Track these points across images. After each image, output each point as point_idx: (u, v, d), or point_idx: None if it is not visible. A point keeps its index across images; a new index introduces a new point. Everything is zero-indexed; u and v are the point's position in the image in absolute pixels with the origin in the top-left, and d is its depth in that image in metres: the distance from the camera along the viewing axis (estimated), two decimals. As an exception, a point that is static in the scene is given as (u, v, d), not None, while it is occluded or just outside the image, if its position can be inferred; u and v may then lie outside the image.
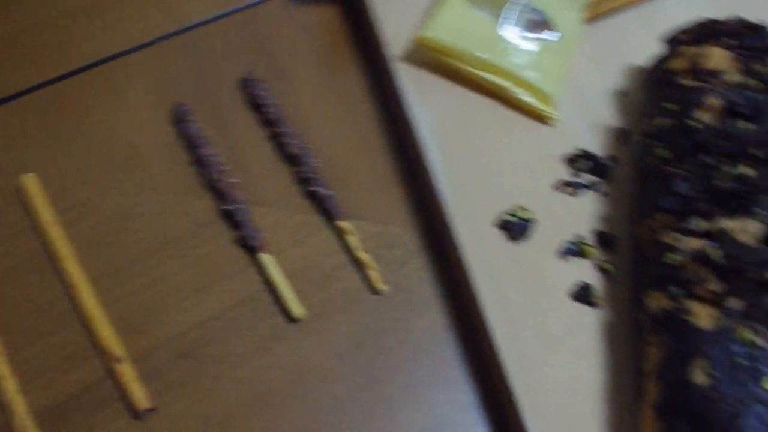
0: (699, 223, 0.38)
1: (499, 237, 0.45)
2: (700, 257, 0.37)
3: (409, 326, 0.46)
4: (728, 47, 0.43)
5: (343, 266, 0.47)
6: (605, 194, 0.47)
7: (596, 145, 0.48)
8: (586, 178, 0.47)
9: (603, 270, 0.44)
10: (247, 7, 0.58)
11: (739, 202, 0.37)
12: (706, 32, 0.44)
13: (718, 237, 0.37)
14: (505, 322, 0.42)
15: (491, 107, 0.50)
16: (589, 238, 0.45)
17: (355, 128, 0.52)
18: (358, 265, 0.47)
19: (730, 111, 0.40)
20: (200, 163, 0.50)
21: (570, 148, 0.48)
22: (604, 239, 0.45)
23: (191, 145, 0.51)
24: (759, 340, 0.35)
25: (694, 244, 0.38)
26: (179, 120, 0.51)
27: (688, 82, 0.43)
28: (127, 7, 0.57)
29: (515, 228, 0.45)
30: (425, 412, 0.43)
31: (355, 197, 0.50)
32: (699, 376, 0.35)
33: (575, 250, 0.45)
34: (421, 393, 0.44)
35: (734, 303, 0.36)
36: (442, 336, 0.45)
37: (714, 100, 0.41)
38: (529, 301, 0.43)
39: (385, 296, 0.46)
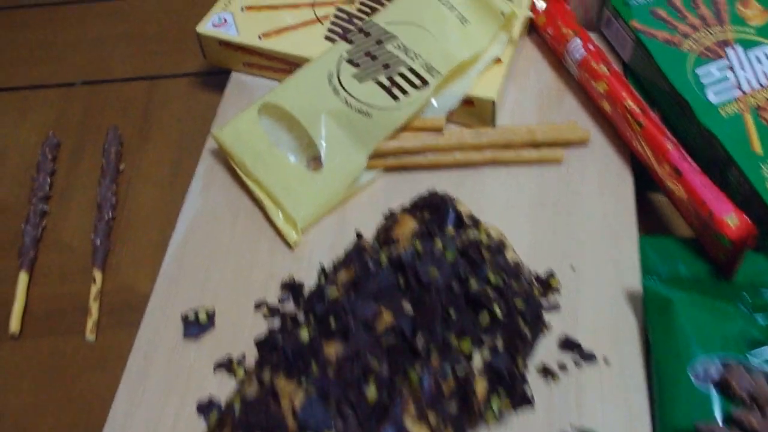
0: (265, 375, 0.39)
1: (177, 326, 0.48)
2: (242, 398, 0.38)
3: (91, 375, 0.50)
4: (420, 220, 0.43)
5: (78, 307, 0.53)
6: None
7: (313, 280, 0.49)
8: (288, 306, 0.48)
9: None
10: (155, 77, 0.67)
11: (295, 367, 0.38)
12: (420, 203, 0.45)
13: (268, 393, 0.38)
14: (133, 389, 0.45)
15: (251, 213, 0.53)
16: (250, 360, 0.46)
17: (166, 199, 0.58)
18: (86, 311, 0.53)
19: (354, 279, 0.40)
20: (33, 183, 0.59)
21: (295, 274, 0.50)
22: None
23: (38, 168, 0.60)
24: None
25: (252, 388, 0.39)
26: (44, 145, 0.61)
27: (366, 244, 0.43)
28: (69, 50, 0.69)
29: (190, 326, 0.47)
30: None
31: (126, 256, 0.55)
32: None
33: (227, 365, 0.46)
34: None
35: None
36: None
37: (355, 264, 0.41)
38: (162, 401, 0.45)
39: (89, 343, 0.51)
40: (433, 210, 0.43)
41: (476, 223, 0.42)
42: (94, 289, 0.53)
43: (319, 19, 0.59)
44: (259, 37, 0.58)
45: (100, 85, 0.67)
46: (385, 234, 0.43)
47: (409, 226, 0.42)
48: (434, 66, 0.53)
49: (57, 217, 0.58)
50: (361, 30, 0.56)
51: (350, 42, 0.55)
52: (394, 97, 0.52)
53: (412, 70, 0.53)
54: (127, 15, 0.73)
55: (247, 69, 0.61)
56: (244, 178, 0.53)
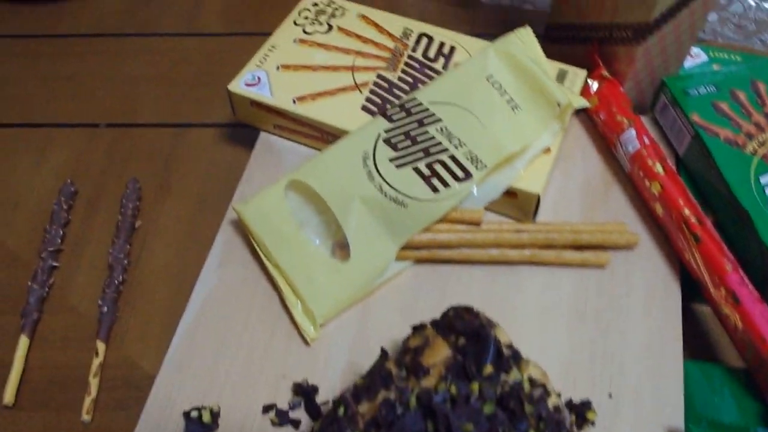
0: None
1: (179, 424, 0.45)
2: None
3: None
4: (453, 346, 0.39)
5: (77, 379, 0.50)
6: (298, 436, 0.44)
7: (332, 387, 0.46)
8: (299, 414, 0.45)
9: None
10: (182, 125, 0.63)
11: None
12: (456, 324, 0.41)
13: None
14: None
15: (269, 297, 0.49)
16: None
17: (180, 263, 0.55)
18: (85, 386, 0.49)
19: (376, 417, 0.36)
20: (44, 233, 0.56)
21: (310, 375, 0.46)
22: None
23: (52, 218, 0.57)
24: None
25: None
26: (60, 193, 0.58)
27: (392, 367, 0.40)
28: (97, 87, 0.66)
29: (192, 426, 0.44)
30: None
31: (133, 326, 0.52)
32: None
33: (228, 476, 0.43)
34: None
35: None
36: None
37: (380, 396, 0.37)
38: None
39: (84, 423, 0.48)
40: (470, 337, 0.39)
41: (517, 359, 0.38)
42: (96, 363, 0.50)
43: (357, 86, 0.56)
44: (294, 101, 0.55)
45: (124, 128, 0.64)
46: (414, 358, 0.39)
47: (441, 353, 0.38)
48: (479, 157, 0.49)
49: (66, 274, 0.55)
50: (402, 107, 0.52)
51: (389, 119, 0.52)
52: (434, 189, 0.48)
53: (454, 160, 0.49)
54: (161, 54, 0.70)
55: (277, 131, 0.57)
56: (264, 260, 0.49)
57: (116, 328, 0.52)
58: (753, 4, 0.71)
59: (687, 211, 0.50)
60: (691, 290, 0.51)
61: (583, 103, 0.52)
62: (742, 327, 0.46)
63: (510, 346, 0.39)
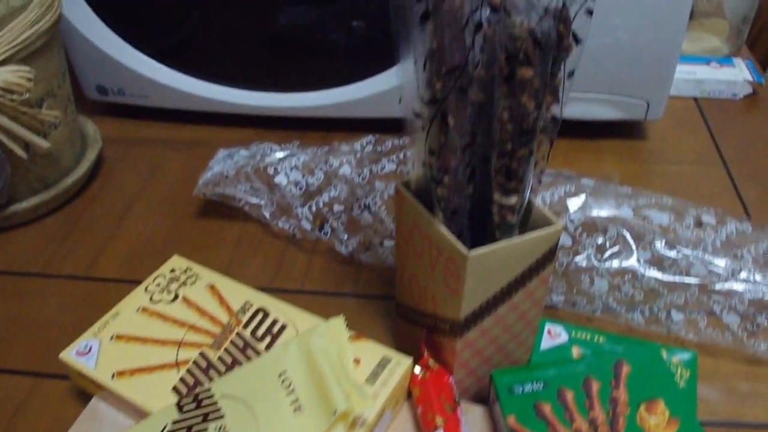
0: None
1: None
2: None
3: None
4: None
5: None
6: None
7: None
8: None
9: None
10: (42, 375, 0.66)
11: None
12: None
13: None
14: None
15: None
16: None
17: None
18: None
19: None
20: None
21: None
22: None
23: None
24: None
25: None
26: None
27: None
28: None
29: None
30: None
31: None
32: None
33: None
34: None
35: None
36: None
37: None
38: None
39: None
40: None
41: None
42: None
43: (177, 364, 0.57)
44: (113, 376, 0.57)
45: (-11, 375, 0.67)
46: None
47: None
48: (244, 464, 0.49)
49: None
50: (195, 397, 0.53)
51: (180, 409, 0.52)
52: (189, 497, 0.48)
53: (218, 464, 0.49)
54: (50, 296, 0.73)
55: (105, 401, 0.59)
56: None
57: None
58: (645, 274, 0.70)
59: None
60: None
61: (367, 406, 0.51)
62: None
63: None
